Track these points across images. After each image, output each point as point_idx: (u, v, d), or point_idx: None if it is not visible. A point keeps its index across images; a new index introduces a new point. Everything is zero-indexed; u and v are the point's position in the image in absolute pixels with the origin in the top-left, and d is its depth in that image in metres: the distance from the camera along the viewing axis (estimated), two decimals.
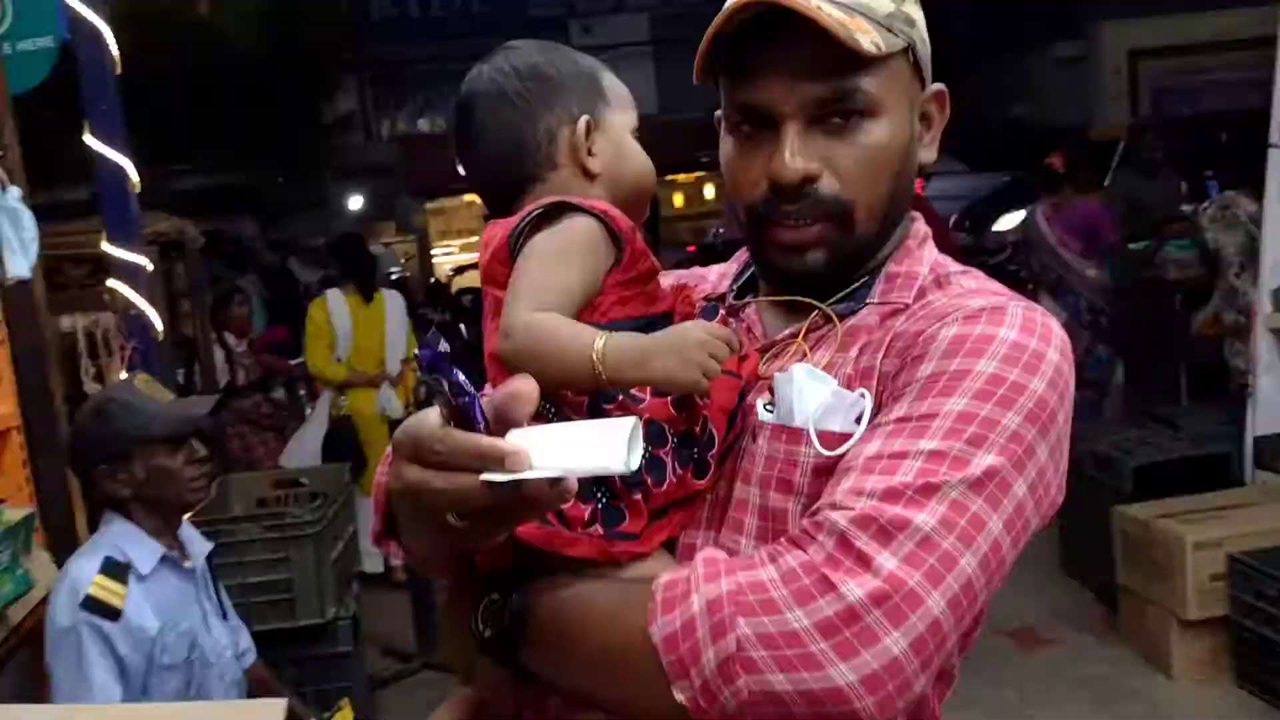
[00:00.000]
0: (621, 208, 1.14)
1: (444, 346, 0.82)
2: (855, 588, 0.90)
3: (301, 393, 6.54)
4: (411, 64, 20.41)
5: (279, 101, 11.55)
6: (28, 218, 2.80)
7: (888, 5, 1.10)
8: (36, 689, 2.67)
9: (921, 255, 1.17)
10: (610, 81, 1.21)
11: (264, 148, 12.10)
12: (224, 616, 2.71)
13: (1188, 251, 5.65)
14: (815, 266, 1.13)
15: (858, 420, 1.03)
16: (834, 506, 0.95)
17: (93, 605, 2.32)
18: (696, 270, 1.40)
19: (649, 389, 1.05)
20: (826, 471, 1.01)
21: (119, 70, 3.61)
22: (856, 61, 1.05)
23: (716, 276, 1.35)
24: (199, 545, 2.67)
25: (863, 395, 1.04)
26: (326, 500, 3.75)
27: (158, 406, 2.48)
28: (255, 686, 2.74)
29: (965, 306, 1.06)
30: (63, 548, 2.90)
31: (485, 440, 0.82)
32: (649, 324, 1.09)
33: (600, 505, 1.01)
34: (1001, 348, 1.00)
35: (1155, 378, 5.67)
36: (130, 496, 2.46)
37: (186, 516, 2.68)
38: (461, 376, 0.82)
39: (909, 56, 1.12)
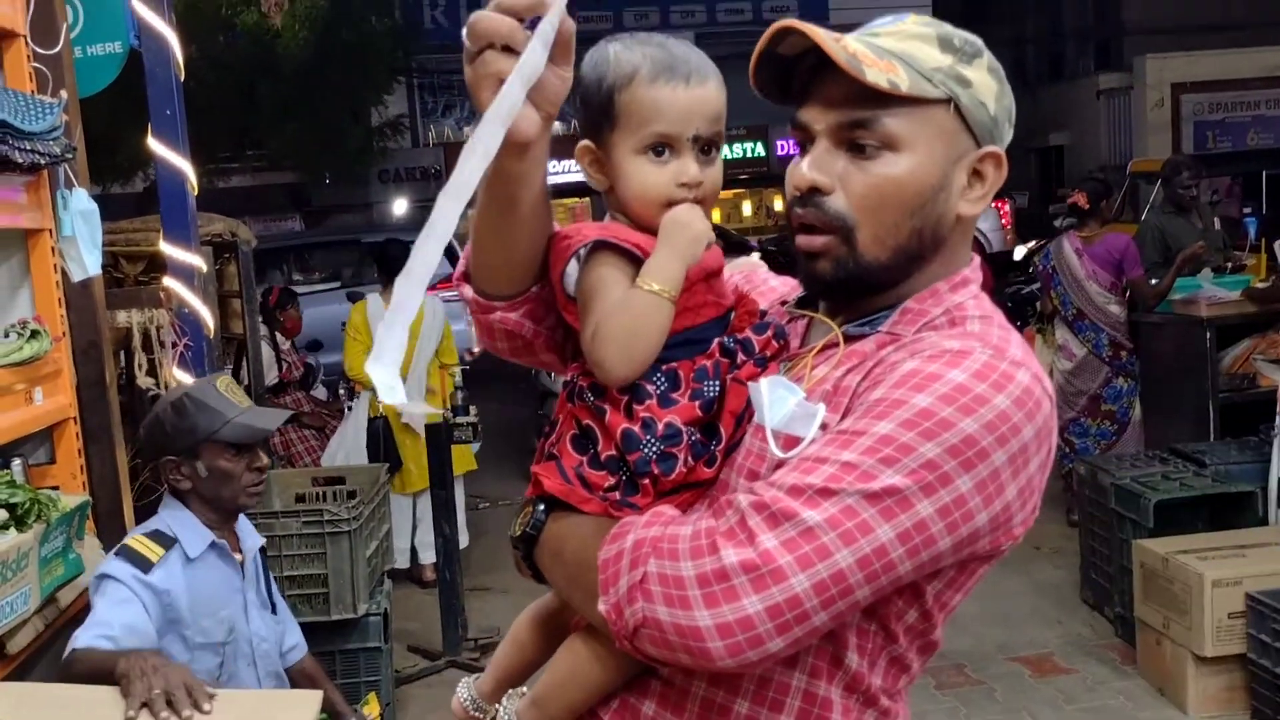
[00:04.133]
0: (641, 223, 1.28)
1: None
2: (733, 554, 1.10)
3: (342, 392, 6.69)
4: (460, 73, 20.58)
5: (329, 104, 11.70)
6: (96, 217, 2.92)
7: (939, 60, 1.21)
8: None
9: (946, 299, 1.26)
10: (628, 98, 1.26)
11: (313, 149, 12.25)
12: (272, 610, 2.80)
13: (1232, 288, 5.64)
14: (823, 275, 1.25)
15: (823, 428, 1.16)
16: (750, 491, 1.14)
17: (126, 552, 2.46)
18: (771, 281, 1.56)
19: (685, 394, 1.23)
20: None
21: (183, 76, 3.75)
22: (884, 97, 1.17)
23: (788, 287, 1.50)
24: (251, 539, 2.78)
25: (822, 406, 1.18)
26: (363, 498, 3.86)
27: (233, 410, 2.58)
28: (302, 680, 2.83)
29: (939, 345, 1.17)
30: (111, 534, 3.02)
31: None
32: (701, 331, 1.27)
33: (623, 479, 1.23)
34: (944, 387, 1.11)
35: (1182, 414, 5.66)
36: (189, 490, 2.59)
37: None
38: None
39: (953, 110, 1.21)
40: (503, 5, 1.08)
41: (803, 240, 1.25)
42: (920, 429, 1.09)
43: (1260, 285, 5.53)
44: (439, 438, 4.91)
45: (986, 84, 1.23)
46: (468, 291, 1.35)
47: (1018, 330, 1.27)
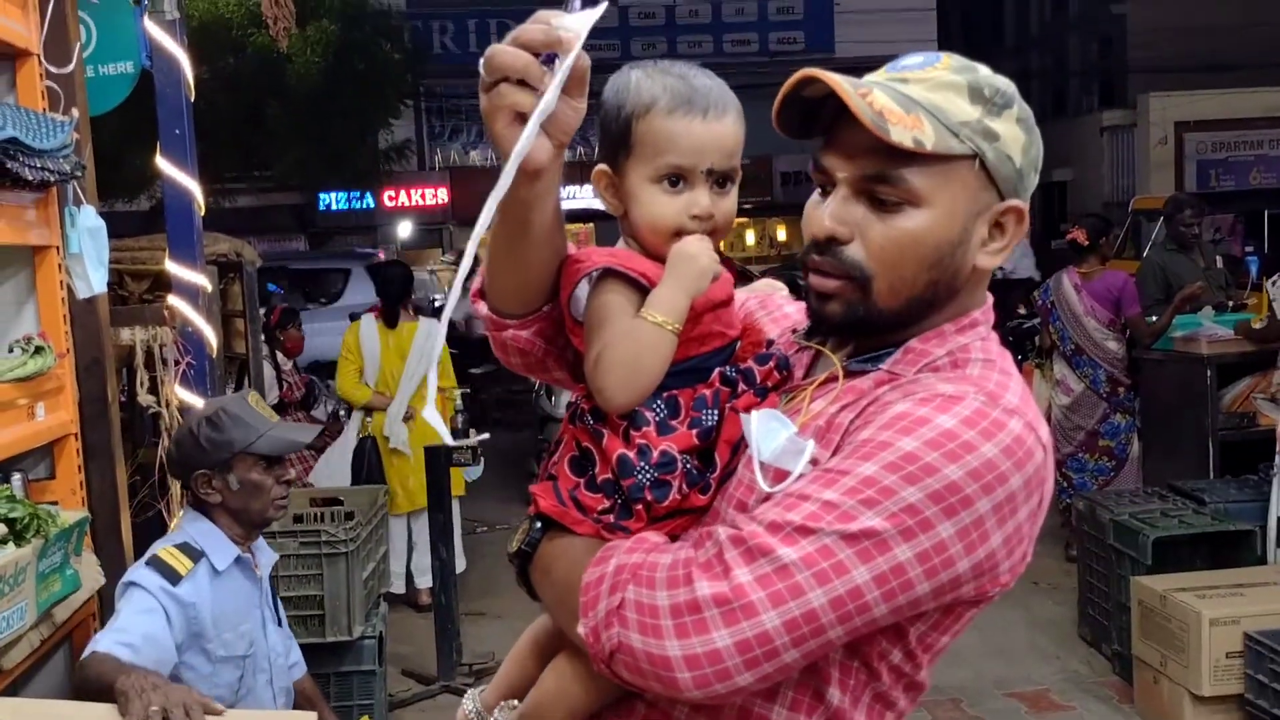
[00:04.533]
0: (651, 250, 1.30)
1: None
2: (706, 586, 1.11)
3: (341, 412, 6.72)
4: (467, 97, 20.79)
5: (338, 126, 11.76)
6: (103, 234, 2.94)
7: (968, 113, 1.19)
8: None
9: (951, 340, 1.25)
10: (645, 127, 1.27)
11: (320, 170, 12.32)
12: (279, 624, 2.84)
13: (1228, 325, 5.65)
14: (833, 317, 1.25)
15: (814, 464, 1.16)
16: (731, 524, 1.15)
17: (156, 563, 2.49)
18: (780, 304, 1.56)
19: (684, 422, 1.25)
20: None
21: (193, 97, 3.77)
22: (908, 153, 1.16)
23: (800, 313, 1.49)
24: (266, 555, 2.82)
25: (811, 442, 1.18)
26: (360, 519, 3.86)
27: (265, 424, 2.63)
28: (300, 699, 2.85)
29: (933, 389, 1.16)
30: (109, 551, 3.03)
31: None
32: (704, 360, 1.28)
33: (618, 503, 1.24)
34: (931, 432, 1.11)
35: (1182, 451, 5.66)
36: (218, 504, 2.61)
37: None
38: None
39: (978, 165, 1.19)
40: (520, 40, 1.11)
41: (815, 281, 1.25)
42: (903, 473, 1.09)
43: (1258, 325, 5.54)
44: (438, 461, 4.91)
45: (1014, 136, 1.21)
46: (482, 308, 1.38)
47: (1017, 364, 1.26)
